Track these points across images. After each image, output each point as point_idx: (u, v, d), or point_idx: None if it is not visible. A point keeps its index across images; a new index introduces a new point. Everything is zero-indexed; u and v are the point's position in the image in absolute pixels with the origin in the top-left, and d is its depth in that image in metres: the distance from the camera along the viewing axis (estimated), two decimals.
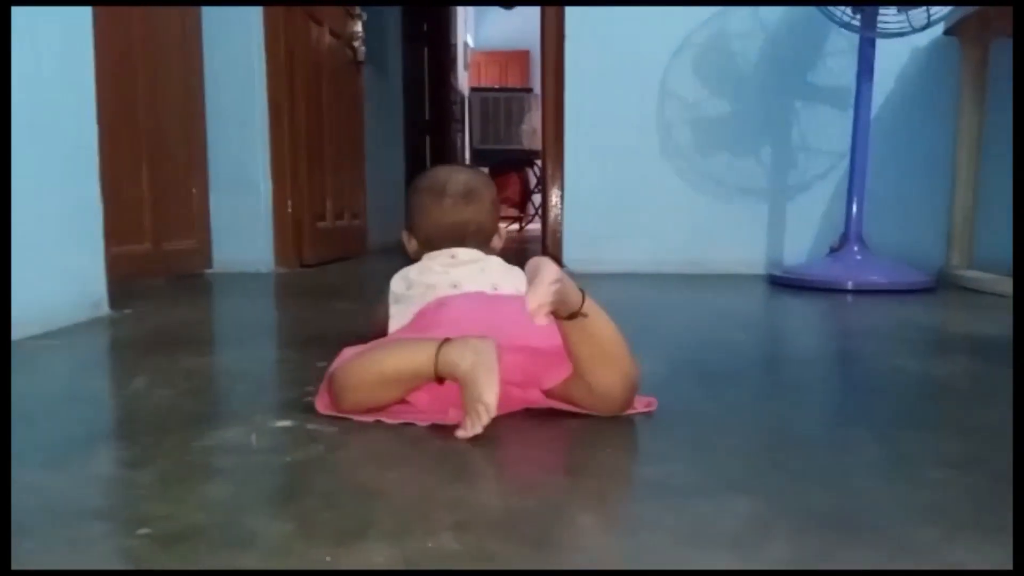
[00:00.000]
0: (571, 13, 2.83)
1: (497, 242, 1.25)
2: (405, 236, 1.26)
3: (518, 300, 1.14)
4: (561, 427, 0.96)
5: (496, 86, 8.90)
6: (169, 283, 2.50)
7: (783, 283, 2.51)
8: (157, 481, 0.78)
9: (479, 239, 1.20)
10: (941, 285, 2.48)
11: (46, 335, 1.53)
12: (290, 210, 2.96)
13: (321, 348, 1.30)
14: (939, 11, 2.28)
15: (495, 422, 0.89)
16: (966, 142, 2.58)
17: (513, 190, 8.26)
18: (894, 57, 2.68)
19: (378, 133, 4.71)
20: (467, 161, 9.06)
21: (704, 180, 2.84)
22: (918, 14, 2.31)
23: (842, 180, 2.60)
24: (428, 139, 5.86)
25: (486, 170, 8.28)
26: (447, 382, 0.93)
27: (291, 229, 2.97)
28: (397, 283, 1.17)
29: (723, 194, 2.84)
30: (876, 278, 2.38)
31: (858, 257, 2.47)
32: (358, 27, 3.65)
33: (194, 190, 2.77)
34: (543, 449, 0.92)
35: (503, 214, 8.42)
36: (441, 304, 1.06)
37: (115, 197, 2.25)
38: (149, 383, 1.18)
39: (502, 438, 0.89)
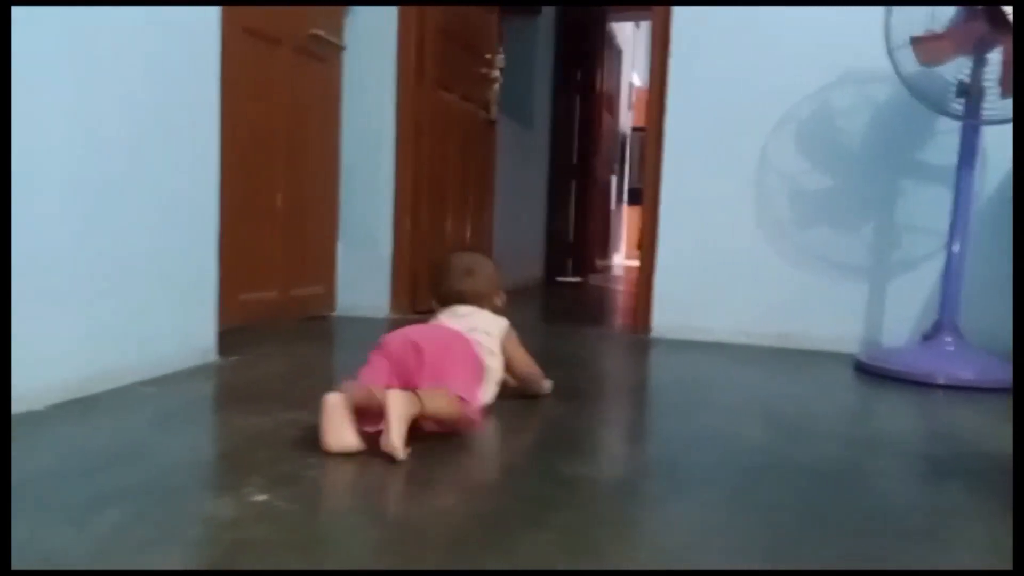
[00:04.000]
0: (674, 80, 2.91)
1: (499, 301, 1.84)
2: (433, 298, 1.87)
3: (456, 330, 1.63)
4: (434, 508, 1.09)
5: None
6: (294, 325, 2.84)
7: (867, 371, 2.44)
8: (134, 545, 1.01)
9: (478, 301, 1.79)
10: None
11: (151, 381, 1.85)
12: (407, 263, 3.25)
13: None
14: None
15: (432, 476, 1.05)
16: None
17: None
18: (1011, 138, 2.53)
19: (519, 181, 4.97)
20: (625, 199, 9.20)
21: (800, 254, 2.82)
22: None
23: None
24: (574, 183, 6.04)
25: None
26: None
27: (407, 280, 3.26)
28: None
29: (820, 269, 2.80)
30: (964, 374, 2.26)
31: (950, 348, 2.36)
32: (494, 88, 3.93)
33: (325, 242, 3.13)
34: (405, 541, 1.05)
35: None
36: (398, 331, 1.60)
37: (249, 250, 2.63)
38: (197, 441, 1.44)
39: (413, 521, 1.04)
